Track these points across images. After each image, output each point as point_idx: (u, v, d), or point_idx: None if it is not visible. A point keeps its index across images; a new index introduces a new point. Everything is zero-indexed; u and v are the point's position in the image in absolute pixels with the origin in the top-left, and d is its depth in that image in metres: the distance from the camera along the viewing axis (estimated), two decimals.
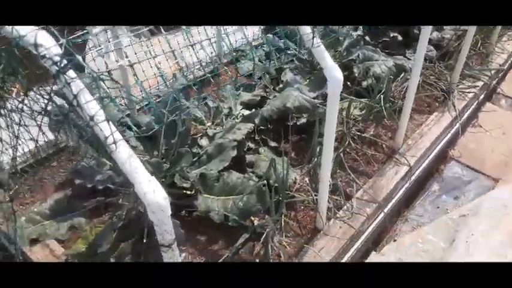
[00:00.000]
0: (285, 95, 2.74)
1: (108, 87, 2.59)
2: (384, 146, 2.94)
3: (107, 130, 1.12)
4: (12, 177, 2.63)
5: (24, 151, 2.62)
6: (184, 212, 2.45)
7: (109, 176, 2.38)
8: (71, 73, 1.17)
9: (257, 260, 2.20)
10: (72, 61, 1.14)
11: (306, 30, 1.73)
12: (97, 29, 2.14)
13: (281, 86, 3.08)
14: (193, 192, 2.35)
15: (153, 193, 1.14)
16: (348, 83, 3.35)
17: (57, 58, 1.12)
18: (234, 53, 3.74)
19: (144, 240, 2.18)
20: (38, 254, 2.17)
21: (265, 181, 2.32)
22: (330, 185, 2.42)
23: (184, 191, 2.37)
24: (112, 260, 2.15)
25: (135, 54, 3.08)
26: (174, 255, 1.32)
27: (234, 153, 2.44)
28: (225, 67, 3.57)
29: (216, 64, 3.82)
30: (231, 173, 2.35)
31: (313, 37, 1.65)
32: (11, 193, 2.20)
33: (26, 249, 2.20)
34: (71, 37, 1.18)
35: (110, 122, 1.14)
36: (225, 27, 2.55)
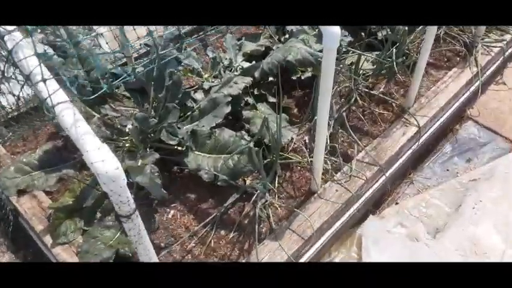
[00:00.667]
0: (287, 46, 2.52)
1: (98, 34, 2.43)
2: (393, 104, 2.72)
3: (44, 91, 1.00)
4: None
5: (17, 99, 2.57)
6: (176, 168, 2.38)
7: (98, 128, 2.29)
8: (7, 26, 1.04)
9: (246, 221, 2.13)
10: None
11: None
12: None
13: (287, 36, 2.85)
14: (183, 148, 2.25)
15: (101, 162, 1.03)
16: (362, 33, 3.08)
17: None
18: None
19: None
20: (25, 205, 2.16)
21: (259, 140, 2.21)
22: (327, 146, 2.28)
23: (175, 147, 2.28)
24: (98, 215, 2.13)
25: None
26: (134, 226, 1.24)
27: (228, 109, 2.30)
28: None
29: None
30: (223, 130, 2.22)
31: None
32: None
33: (14, 200, 2.18)
34: None
35: (53, 81, 1.01)
36: None
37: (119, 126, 2.31)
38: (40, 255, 2.21)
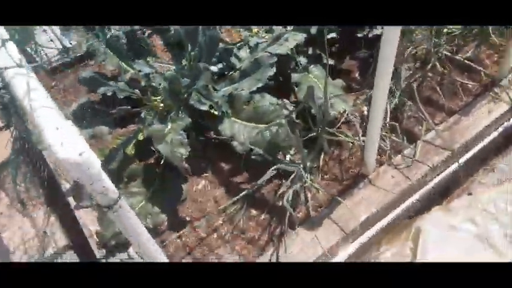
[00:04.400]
0: None
1: None
2: (482, 73, 2.19)
3: None
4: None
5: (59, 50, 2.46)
6: (213, 133, 2.14)
7: (130, 84, 2.11)
8: None
9: (280, 203, 1.86)
10: None
11: None
12: None
13: None
14: (219, 113, 2.00)
15: (60, 146, 0.80)
16: None
17: None
18: None
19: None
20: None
21: (305, 110, 1.89)
22: (387, 121, 1.90)
23: (211, 111, 2.03)
24: (125, 180, 1.99)
25: None
26: (119, 218, 1.02)
27: (272, 71, 1.97)
28: None
29: None
30: (263, 96, 1.92)
31: None
32: None
33: (45, 154, 2.12)
34: None
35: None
36: None
37: (153, 84, 2.10)
38: (69, 213, 2.16)
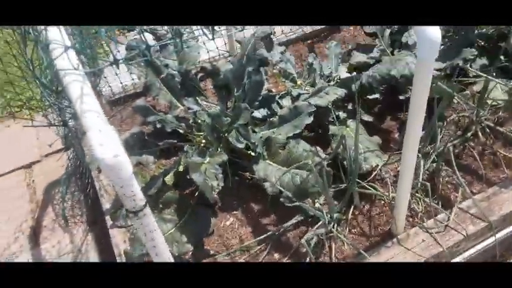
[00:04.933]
0: (394, 59, 2.17)
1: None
2: None
3: (61, 58, 0.92)
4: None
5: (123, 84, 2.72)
6: (248, 174, 2.22)
7: (178, 119, 2.27)
8: None
9: (304, 250, 1.86)
10: None
11: None
12: None
13: (399, 49, 2.48)
14: (256, 154, 2.09)
15: (99, 147, 0.92)
16: (502, 57, 2.53)
17: None
18: None
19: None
20: (101, 182, 2.25)
21: (339, 161, 1.94)
22: (418, 181, 1.89)
23: (248, 151, 2.13)
24: (160, 206, 2.09)
25: None
26: (142, 226, 1.10)
27: (309, 120, 2.06)
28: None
29: None
30: (298, 142, 1.99)
31: None
32: None
33: (94, 175, 2.29)
34: None
35: (71, 51, 0.94)
36: None
37: (198, 121, 2.25)
38: (106, 233, 2.27)
